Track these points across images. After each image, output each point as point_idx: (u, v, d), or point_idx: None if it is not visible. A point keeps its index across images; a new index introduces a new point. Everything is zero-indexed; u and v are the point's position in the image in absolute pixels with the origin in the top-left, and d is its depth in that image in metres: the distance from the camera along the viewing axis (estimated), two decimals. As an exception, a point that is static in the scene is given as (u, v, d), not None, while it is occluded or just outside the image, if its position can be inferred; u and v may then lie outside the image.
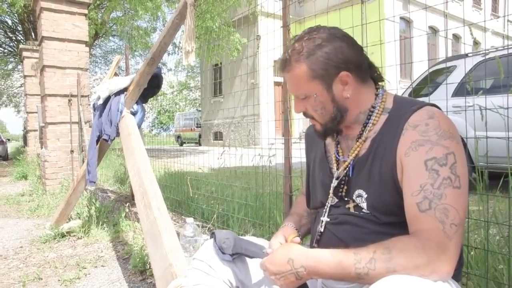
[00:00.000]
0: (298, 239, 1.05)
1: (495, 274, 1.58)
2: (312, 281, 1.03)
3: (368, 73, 1.02)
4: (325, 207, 1.07)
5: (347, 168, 1.02)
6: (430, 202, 0.81)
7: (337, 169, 1.06)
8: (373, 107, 1.00)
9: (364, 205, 0.96)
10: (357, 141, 1.01)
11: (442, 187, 0.81)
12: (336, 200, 1.05)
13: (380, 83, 1.06)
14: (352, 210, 1.00)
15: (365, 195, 0.96)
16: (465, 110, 1.68)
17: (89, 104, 5.18)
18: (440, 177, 0.82)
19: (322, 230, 1.06)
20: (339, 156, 1.07)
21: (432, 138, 0.86)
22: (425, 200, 0.81)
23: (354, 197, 0.99)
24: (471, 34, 1.87)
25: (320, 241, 1.06)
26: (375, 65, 1.05)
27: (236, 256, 1.05)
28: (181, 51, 2.21)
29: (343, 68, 0.95)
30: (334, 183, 1.05)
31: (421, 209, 0.82)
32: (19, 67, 17.57)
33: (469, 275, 1.58)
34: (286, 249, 0.93)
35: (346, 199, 1.02)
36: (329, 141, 1.15)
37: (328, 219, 1.05)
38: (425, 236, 0.78)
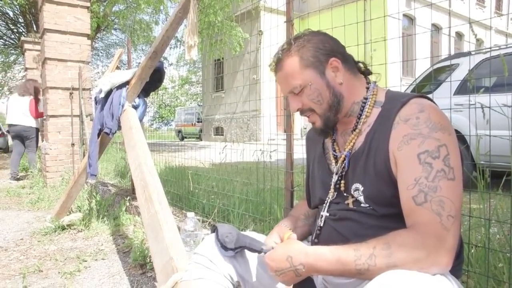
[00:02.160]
0: (294, 235, 1.05)
1: (495, 272, 1.59)
2: (313, 277, 1.04)
3: (355, 67, 1.07)
4: (325, 202, 1.08)
5: (344, 162, 1.03)
6: (426, 195, 0.81)
7: (336, 164, 1.07)
8: (365, 99, 1.03)
9: (361, 198, 0.97)
10: (353, 133, 1.03)
11: (437, 180, 0.82)
12: (336, 194, 1.05)
13: (371, 78, 1.10)
14: (351, 205, 1.00)
15: (361, 188, 0.97)
16: (469, 108, 1.67)
17: (91, 97, 5.17)
18: (434, 170, 0.82)
19: (321, 224, 1.06)
20: (335, 152, 1.09)
21: (423, 131, 0.87)
22: (421, 193, 0.82)
23: (352, 192, 1.00)
24: (473, 31, 1.86)
25: (320, 236, 1.07)
26: (360, 61, 1.11)
27: (239, 249, 1.05)
28: (183, 45, 2.20)
29: (331, 55, 1.02)
30: (334, 178, 1.05)
31: (417, 202, 0.82)
32: (20, 59, 17.52)
33: (469, 272, 1.58)
34: (286, 246, 0.94)
35: (345, 194, 1.02)
36: (327, 139, 1.16)
37: (328, 214, 1.05)
38: (423, 229, 0.79)
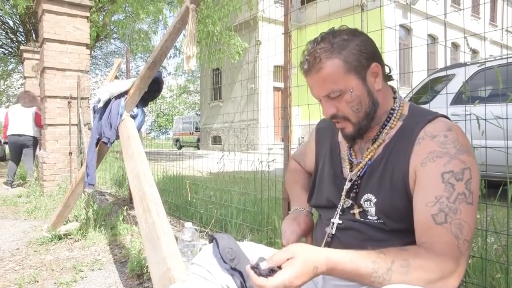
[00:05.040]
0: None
1: (493, 283, 1.59)
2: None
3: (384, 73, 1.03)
4: (337, 209, 1.05)
5: (361, 170, 1.01)
6: (446, 216, 0.81)
7: (350, 170, 1.05)
8: (393, 110, 1.01)
9: (372, 210, 0.96)
10: (373, 143, 1.01)
11: (457, 202, 0.81)
12: (350, 202, 1.02)
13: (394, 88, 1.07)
14: (357, 216, 0.99)
15: (374, 200, 0.96)
16: (465, 120, 1.69)
17: (89, 107, 5.18)
18: (456, 192, 0.82)
19: (333, 232, 1.04)
20: (352, 158, 1.07)
21: (450, 151, 0.86)
22: (441, 212, 0.81)
23: (361, 202, 0.98)
24: (468, 45, 1.89)
25: (332, 244, 1.04)
26: (387, 64, 1.05)
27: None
28: (182, 54, 2.22)
29: (373, 60, 0.96)
30: (347, 185, 1.03)
31: (437, 221, 0.81)
32: (19, 68, 17.55)
33: (467, 284, 1.58)
34: (309, 255, 0.80)
35: (354, 202, 1.01)
36: (341, 139, 1.13)
37: (340, 222, 1.03)
38: (441, 249, 0.79)
